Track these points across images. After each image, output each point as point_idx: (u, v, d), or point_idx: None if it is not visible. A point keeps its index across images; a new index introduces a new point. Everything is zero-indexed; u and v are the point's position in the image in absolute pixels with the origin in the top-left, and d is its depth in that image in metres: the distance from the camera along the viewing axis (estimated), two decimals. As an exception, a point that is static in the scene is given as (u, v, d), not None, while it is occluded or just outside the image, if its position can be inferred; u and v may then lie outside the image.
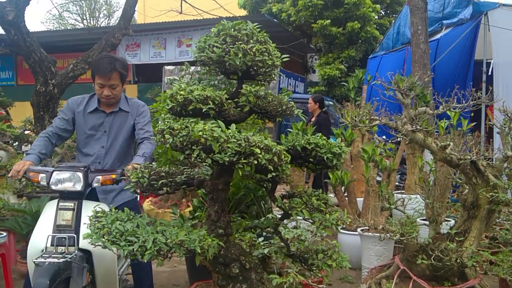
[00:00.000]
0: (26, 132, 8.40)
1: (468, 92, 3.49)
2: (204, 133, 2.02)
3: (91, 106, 3.33)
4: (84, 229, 2.61)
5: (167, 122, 2.14)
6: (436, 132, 4.47)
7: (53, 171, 2.76)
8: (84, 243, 2.64)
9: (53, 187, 2.74)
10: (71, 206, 2.73)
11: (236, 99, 2.38)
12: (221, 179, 2.35)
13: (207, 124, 2.07)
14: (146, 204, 6.78)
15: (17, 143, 7.75)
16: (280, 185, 2.99)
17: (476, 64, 7.66)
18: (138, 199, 3.58)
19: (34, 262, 2.45)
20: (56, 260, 2.44)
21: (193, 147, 2.05)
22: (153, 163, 2.59)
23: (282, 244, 2.66)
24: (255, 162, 2.05)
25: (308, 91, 15.61)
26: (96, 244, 2.09)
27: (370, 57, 11.76)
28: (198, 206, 3.89)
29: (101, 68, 3.16)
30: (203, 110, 2.19)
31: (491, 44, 7.01)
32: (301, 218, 2.46)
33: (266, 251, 2.76)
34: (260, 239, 2.95)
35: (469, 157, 3.22)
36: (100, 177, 2.82)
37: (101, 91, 3.19)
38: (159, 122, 2.27)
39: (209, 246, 2.10)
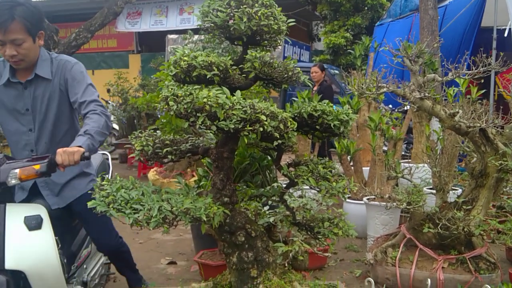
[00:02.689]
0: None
1: (478, 58, 3.41)
2: (209, 99, 1.97)
3: (3, 75, 2.50)
4: (10, 245, 2.07)
5: (171, 89, 2.10)
6: (445, 99, 4.40)
7: None
8: (12, 263, 2.04)
9: None
10: None
11: (241, 65, 2.32)
12: (226, 147, 2.31)
13: (211, 90, 2.02)
14: (151, 174, 6.80)
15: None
16: (286, 154, 2.96)
17: (486, 31, 7.51)
18: None
19: None
20: None
21: (197, 114, 2.01)
22: (157, 131, 2.55)
23: (288, 212, 2.64)
24: (261, 129, 2.01)
25: (313, 60, 15.43)
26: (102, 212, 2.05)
27: (376, 24, 11.55)
28: (203, 176, 3.87)
29: None
30: (208, 77, 2.13)
31: (508, 9, 6.83)
32: (307, 187, 2.43)
33: (271, 219, 2.74)
34: (266, 208, 2.94)
35: (478, 124, 3.17)
36: (17, 170, 2.11)
37: (3, 51, 2.35)
38: (163, 89, 2.22)
39: (215, 214, 2.08)
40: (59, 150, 2.15)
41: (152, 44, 16.94)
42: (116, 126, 10.89)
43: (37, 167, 2.13)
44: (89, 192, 2.27)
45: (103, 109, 2.44)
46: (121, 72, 11.21)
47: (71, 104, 2.55)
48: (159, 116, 8.33)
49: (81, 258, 2.79)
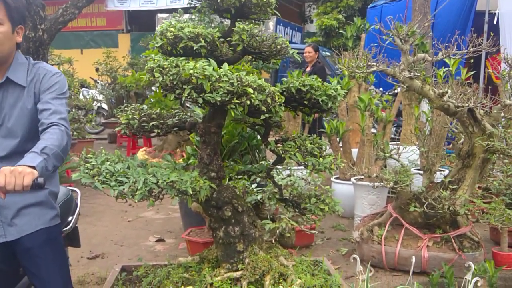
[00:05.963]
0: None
1: (468, 39, 3.40)
2: (195, 71, 1.94)
3: None
4: None
5: (157, 60, 2.06)
6: (434, 80, 4.40)
7: None
8: None
9: None
10: None
11: (229, 38, 2.29)
12: (214, 121, 2.29)
13: (198, 62, 1.99)
14: (141, 154, 6.77)
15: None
16: (276, 135, 2.93)
17: (478, 15, 7.49)
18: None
19: None
20: None
21: (183, 86, 1.98)
22: (143, 105, 2.51)
23: (275, 190, 2.64)
24: (248, 102, 1.99)
25: (305, 41, 15.33)
26: (87, 184, 2.03)
27: (369, 6, 11.45)
28: (192, 154, 3.85)
29: None
30: (194, 48, 2.10)
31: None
32: (295, 167, 2.42)
33: (259, 197, 2.74)
34: (254, 185, 2.93)
35: (466, 104, 3.18)
36: None
37: None
38: (149, 61, 2.18)
39: (201, 188, 2.07)
40: (5, 168, 1.61)
41: (142, 23, 16.73)
42: (105, 106, 10.79)
43: None
44: (52, 228, 1.99)
45: (68, 128, 1.93)
46: (110, 51, 11.06)
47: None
48: (148, 95, 8.26)
49: None
